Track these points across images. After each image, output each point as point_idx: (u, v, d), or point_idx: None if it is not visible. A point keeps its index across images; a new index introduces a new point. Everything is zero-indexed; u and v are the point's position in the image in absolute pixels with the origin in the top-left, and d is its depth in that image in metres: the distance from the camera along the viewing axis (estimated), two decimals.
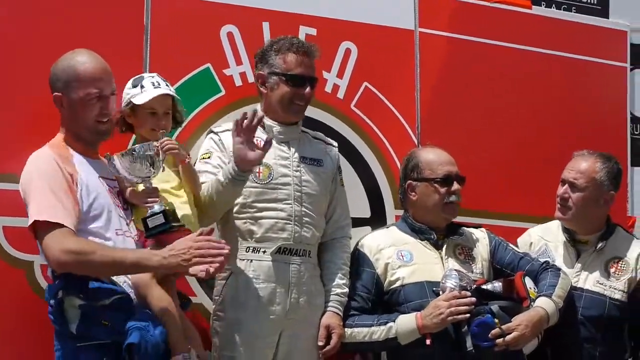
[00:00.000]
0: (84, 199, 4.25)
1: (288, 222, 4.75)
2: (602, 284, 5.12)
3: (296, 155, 4.86)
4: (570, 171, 5.19)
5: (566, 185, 5.17)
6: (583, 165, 5.18)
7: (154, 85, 4.55)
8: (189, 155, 4.54)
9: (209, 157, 4.79)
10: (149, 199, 4.35)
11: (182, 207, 4.48)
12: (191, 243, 4.18)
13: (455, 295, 4.70)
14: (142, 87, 4.55)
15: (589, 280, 5.13)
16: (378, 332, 4.81)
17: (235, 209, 4.75)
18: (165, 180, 4.50)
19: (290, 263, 4.75)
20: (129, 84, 4.61)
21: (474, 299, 4.70)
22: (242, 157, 4.49)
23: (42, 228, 4.14)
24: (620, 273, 5.14)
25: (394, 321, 4.81)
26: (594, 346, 5.07)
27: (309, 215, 4.80)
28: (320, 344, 4.78)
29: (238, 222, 4.75)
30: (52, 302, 4.20)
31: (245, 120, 4.48)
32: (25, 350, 4.61)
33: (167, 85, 4.60)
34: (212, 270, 4.17)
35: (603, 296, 5.10)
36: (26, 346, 4.61)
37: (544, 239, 5.27)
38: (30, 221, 4.15)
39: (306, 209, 4.80)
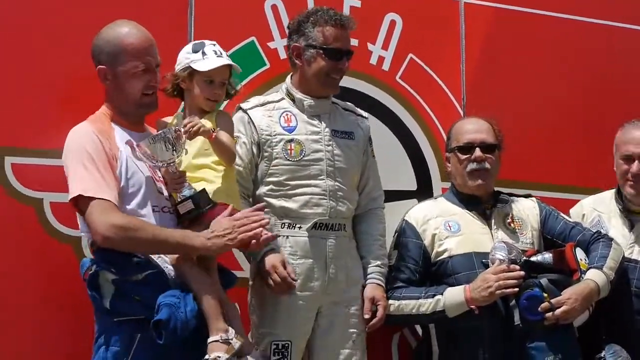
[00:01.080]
0: (123, 176, 4.22)
1: (323, 197, 4.71)
2: None
3: (327, 129, 4.81)
4: (637, 145, 5.08)
5: (636, 162, 5.05)
6: None
7: (216, 53, 4.45)
8: (214, 129, 4.37)
9: (236, 143, 4.69)
10: (176, 185, 4.30)
11: (217, 182, 4.40)
12: (233, 222, 4.18)
13: (504, 269, 4.66)
14: (204, 53, 4.45)
15: None
16: (426, 304, 4.79)
17: (267, 187, 4.71)
18: (205, 154, 4.43)
19: (327, 238, 4.73)
20: (189, 47, 4.50)
21: (522, 272, 4.66)
22: None
23: (85, 203, 4.11)
24: None
25: (442, 294, 4.78)
26: None
27: (342, 189, 4.76)
28: (367, 316, 4.76)
29: (272, 200, 4.71)
30: (87, 277, 4.18)
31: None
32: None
33: (227, 56, 4.51)
34: (262, 239, 4.19)
35: None
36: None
37: (597, 210, 5.20)
38: (73, 196, 4.12)
39: (339, 183, 4.76)
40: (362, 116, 5.00)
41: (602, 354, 4.85)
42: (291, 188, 4.71)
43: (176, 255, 4.21)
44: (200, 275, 4.19)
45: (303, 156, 4.72)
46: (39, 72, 4.73)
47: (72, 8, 4.79)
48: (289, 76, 4.88)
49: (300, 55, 4.77)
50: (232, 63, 4.48)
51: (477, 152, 4.93)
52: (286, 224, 4.70)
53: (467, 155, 4.95)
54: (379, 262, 4.83)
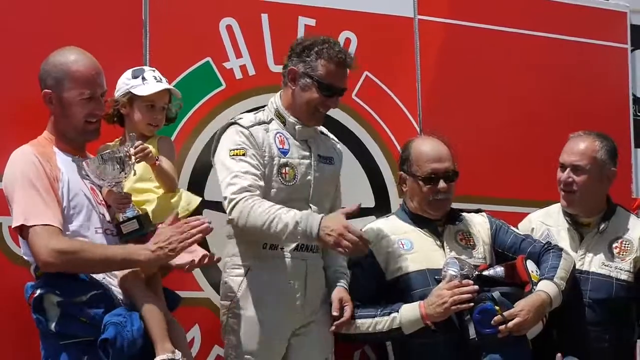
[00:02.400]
0: (64, 197, 4.24)
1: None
2: (607, 266, 5.11)
3: (315, 155, 4.82)
4: (570, 154, 5.15)
5: (567, 170, 5.14)
6: (582, 146, 5.15)
7: (155, 79, 4.53)
8: (157, 158, 4.40)
9: (243, 154, 4.65)
10: (120, 205, 4.31)
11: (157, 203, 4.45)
12: (173, 231, 4.19)
13: (457, 284, 4.70)
14: (143, 79, 4.52)
15: (594, 263, 5.12)
16: (382, 322, 4.80)
17: None
18: (147, 180, 4.46)
19: (307, 259, 4.75)
20: (129, 73, 4.57)
21: (476, 287, 4.70)
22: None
23: (27, 230, 4.14)
24: (624, 253, 5.13)
25: (397, 311, 4.80)
26: (602, 329, 5.05)
27: (323, 212, 4.73)
28: (335, 314, 4.75)
29: None
30: (31, 301, 4.17)
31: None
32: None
33: (166, 79, 4.59)
34: (196, 261, 4.25)
35: (609, 278, 5.08)
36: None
37: (545, 224, 5.25)
38: (17, 224, 4.16)
39: (320, 207, 4.77)
40: (334, 141, 5.01)
41: None
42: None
43: (122, 275, 4.24)
44: (146, 295, 4.20)
45: (296, 181, 4.73)
46: None
47: (23, 29, 4.78)
48: (277, 95, 4.86)
49: (295, 79, 4.75)
50: (172, 87, 4.55)
51: (442, 184, 4.94)
52: (268, 245, 4.69)
53: (430, 186, 4.95)
54: (343, 270, 4.88)
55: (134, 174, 4.36)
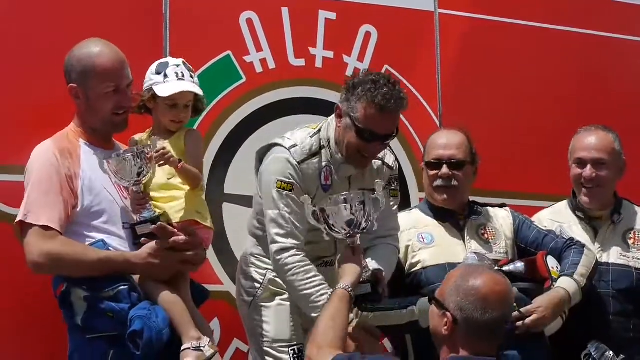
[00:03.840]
0: (85, 195, 4.24)
1: (332, 244, 4.63)
2: (625, 256, 5.09)
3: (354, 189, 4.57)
4: (590, 150, 5.11)
5: (589, 166, 5.12)
6: (599, 140, 5.12)
7: (177, 76, 4.40)
8: (179, 160, 4.31)
9: (290, 190, 4.47)
10: (138, 206, 4.29)
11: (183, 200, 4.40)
12: (174, 258, 4.24)
13: None
14: (165, 76, 4.41)
15: (612, 254, 5.09)
16: (400, 315, 4.76)
17: None
18: (173, 174, 4.41)
19: (327, 267, 4.69)
20: (153, 68, 4.47)
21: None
22: None
23: (25, 227, 4.17)
24: (639, 243, 5.13)
25: (415, 304, 4.78)
26: (627, 319, 5.03)
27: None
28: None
29: None
30: (58, 295, 4.21)
31: None
32: None
33: (191, 76, 4.44)
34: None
35: (629, 267, 5.06)
36: None
37: (556, 221, 5.20)
38: (17, 219, 4.19)
39: None
40: (388, 165, 4.76)
41: (587, 351, 4.87)
42: (312, 237, 4.54)
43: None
44: (161, 288, 4.21)
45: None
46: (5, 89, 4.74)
47: (45, 25, 4.81)
48: (330, 121, 4.59)
49: (340, 116, 4.53)
50: (192, 89, 4.41)
51: (444, 169, 4.92)
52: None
53: (435, 171, 4.95)
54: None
55: (153, 176, 4.33)
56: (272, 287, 4.65)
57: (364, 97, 4.37)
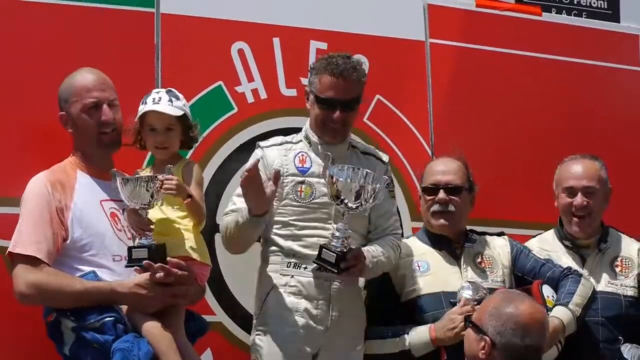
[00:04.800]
0: (75, 227, 4.28)
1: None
2: (613, 284, 5.14)
3: None
4: (580, 178, 5.16)
5: (579, 195, 5.14)
6: (587, 168, 5.19)
7: (153, 101, 4.46)
8: (189, 196, 4.34)
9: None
10: (140, 230, 4.29)
11: (185, 235, 4.42)
12: (164, 294, 4.25)
13: (469, 310, 4.66)
14: (144, 102, 4.49)
15: (601, 283, 5.13)
16: (391, 344, 4.79)
17: (275, 227, 4.70)
18: (176, 206, 4.43)
19: (332, 281, 4.68)
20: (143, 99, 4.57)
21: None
22: (253, 206, 4.47)
23: (14, 258, 4.21)
24: (626, 270, 5.17)
25: (408, 333, 4.78)
26: (617, 346, 5.03)
27: (350, 233, 4.67)
28: None
29: (280, 240, 4.70)
30: (48, 324, 4.25)
31: (246, 174, 4.40)
32: None
33: (170, 100, 4.46)
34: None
35: (617, 295, 5.10)
36: None
37: (544, 249, 5.23)
38: (8, 251, 4.24)
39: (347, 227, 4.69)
40: (380, 160, 4.93)
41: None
42: (299, 229, 4.69)
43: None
44: (151, 321, 4.21)
45: (312, 199, 4.70)
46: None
47: (37, 57, 4.82)
48: (308, 119, 4.85)
49: (307, 99, 4.77)
50: (159, 109, 4.42)
51: (441, 194, 4.96)
52: (292, 264, 4.67)
53: (432, 197, 4.98)
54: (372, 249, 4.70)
55: (161, 204, 4.35)
56: (271, 314, 4.67)
57: (320, 70, 4.68)
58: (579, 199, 5.14)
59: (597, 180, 5.17)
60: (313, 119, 4.75)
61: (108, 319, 4.16)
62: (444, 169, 5.02)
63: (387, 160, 4.96)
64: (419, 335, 4.76)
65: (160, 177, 4.27)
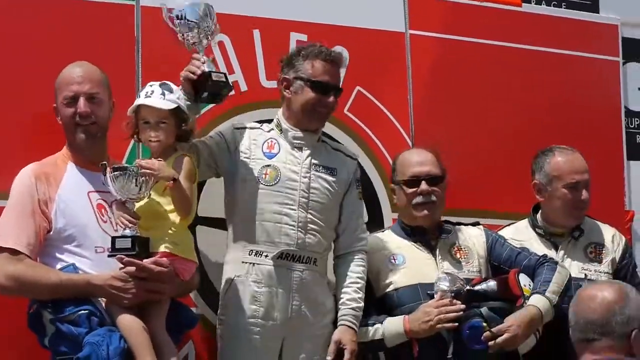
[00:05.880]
0: (58, 218, 4.33)
1: (292, 227, 4.71)
2: (586, 269, 5.20)
3: (307, 161, 4.81)
4: (582, 172, 5.23)
5: (583, 190, 5.20)
6: (583, 161, 5.27)
7: (146, 94, 4.47)
8: (174, 178, 4.33)
9: (216, 132, 4.87)
10: (124, 219, 4.29)
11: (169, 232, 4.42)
12: (140, 285, 4.24)
13: (444, 303, 4.71)
14: (138, 96, 4.51)
15: (573, 269, 5.17)
16: (365, 332, 4.80)
17: (241, 208, 4.75)
18: (164, 200, 4.43)
19: (293, 270, 4.72)
20: None
21: (463, 306, 4.71)
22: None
23: None
24: (600, 256, 5.25)
25: (382, 323, 4.81)
26: None
27: (315, 222, 4.75)
28: (329, 359, 4.70)
29: (244, 224, 4.74)
30: (29, 316, 4.30)
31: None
32: None
33: (163, 94, 4.45)
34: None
35: (591, 280, 5.12)
36: None
37: (516, 239, 5.27)
38: None
39: (312, 216, 4.75)
40: (350, 157, 5.00)
41: None
42: (262, 212, 4.71)
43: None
44: (125, 314, 4.22)
45: (277, 182, 4.73)
46: None
47: (23, 56, 4.85)
48: (280, 109, 4.91)
49: (289, 87, 4.81)
50: (147, 102, 4.43)
51: (423, 186, 4.97)
52: (253, 252, 4.70)
53: (414, 189, 4.98)
54: (353, 305, 4.76)
55: (149, 197, 4.35)
56: (231, 304, 4.73)
57: (310, 55, 4.78)
58: (585, 193, 5.21)
59: (587, 172, 5.25)
60: (300, 104, 4.78)
61: (82, 311, 4.19)
62: (421, 160, 5.03)
63: (356, 158, 5.02)
64: (393, 325, 4.78)
65: (137, 161, 4.32)
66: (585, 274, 5.17)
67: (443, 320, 4.67)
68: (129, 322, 4.20)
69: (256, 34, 5.33)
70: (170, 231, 4.38)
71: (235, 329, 4.70)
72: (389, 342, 4.77)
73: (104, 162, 4.30)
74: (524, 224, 5.39)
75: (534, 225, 5.33)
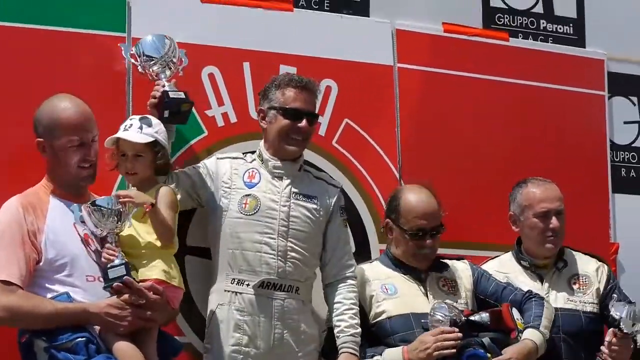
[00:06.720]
0: (48, 249, 4.34)
1: (272, 256, 4.77)
2: (572, 301, 5.27)
3: (287, 189, 4.88)
4: (553, 201, 5.31)
5: (554, 218, 5.26)
6: (556, 191, 5.35)
7: (124, 127, 4.55)
8: (152, 203, 4.43)
9: (195, 167, 4.93)
10: (108, 252, 4.34)
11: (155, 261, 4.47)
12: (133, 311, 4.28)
13: (442, 330, 4.75)
14: (118, 130, 4.58)
15: (559, 300, 5.25)
16: None
17: (223, 237, 4.80)
18: (148, 230, 4.48)
19: (274, 298, 4.77)
20: None
21: (460, 334, 4.75)
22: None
23: None
24: (585, 287, 5.31)
25: (381, 354, 4.84)
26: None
27: (296, 250, 4.81)
28: None
29: (226, 253, 4.80)
30: (22, 343, 4.29)
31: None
32: None
33: (140, 127, 4.54)
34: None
35: (577, 311, 5.23)
36: None
37: (501, 272, 5.33)
38: None
39: (293, 244, 4.81)
40: (333, 185, 5.06)
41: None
42: (242, 241, 4.77)
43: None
44: (122, 341, 4.25)
45: (256, 212, 4.80)
46: None
47: (13, 81, 4.89)
48: (262, 140, 5.00)
49: (264, 117, 4.91)
50: (123, 136, 4.51)
51: (429, 241, 5.03)
52: (235, 280, 4.75)
53: (417, 241, 5.04)
54: (351, 331, 4.83)
55: (129, 226, 4.41)
56: (214, 332, 4.80)
57: (281, 84, 4.91)
58: (555, 221, 5.26)
59: (562, 201, 5.32)
60: (275, 132, 4.87)
61: (80, 339, 4.19)
62: (428, 212, 5.05)
63: (339, 186, 5.08)
64: (391, 356, 4.83)
65: (114, 193, 4.39)
66: (572, 306, 5.23)
67: (440, 348, 4.71)
68: (126, 350, 4.23)
69: (246, 66, 5.38)
70: (159, 260, 4.43)
71: (219, 357, 4.74)
72: None
73: (75, 205, 4.40)
74: (508, 256, 5.45)
75: (519, 258, 5.39)
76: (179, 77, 4.97)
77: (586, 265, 5.38)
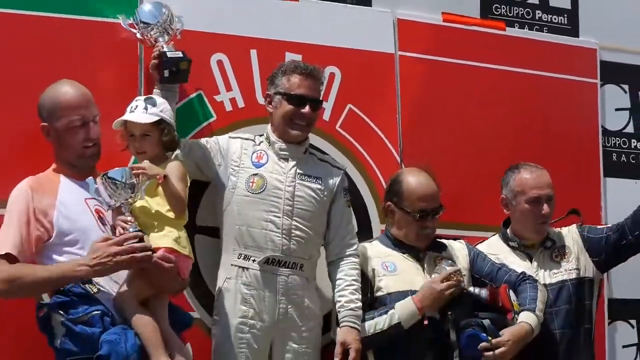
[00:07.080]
0: (61, 222, 4.44)
1: (277, 234, 4.90)
2: (557, 273, 5.39)
3: (293, 170, 5.00)
4: (544, 187, 5.41)
5: (545, 204, 5.37)
6: (546, 177, 5.45)
7: (130, 109, 4.68)
8: (163, 176, 4.54)
9: (210, 138, 5.08)
10: (121, 221, 4.46)
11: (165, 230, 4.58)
12: (113, 248, 4.34)
13: (449, 272, 4.95)
14: (126, 111, 4.71)
15: (547, 276, 5.39)
16: (382, 321, 4.94)
17: (230, 214, 4.94)
18: (160, 201, 4.60)
19: (278, 274, 4.91)
20: None
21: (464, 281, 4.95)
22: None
23: None
24: (566, 256, 5.43)
25: (393, 308, 4.96)
26: (573, 329, 5.35)
27: (300, 229, 4.93)
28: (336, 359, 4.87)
29: (233, 229, 4.93)
30: (39, 319, 4.40)
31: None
32: None
33: (145, 108, 4.66)
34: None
35: (565, 282, 5.35)
36: None
37: (492, 253, 5.43)
38: None
39: (298, 223, 4.93)
40: (337, 167, 5.18)
41: None
42: (248, 219, 4.90)
43: (116, 295, 4.42)
44: (137, 310, 4.37)
45: (263, 190, 4.93)
46: None
47: (24, 65, 4.99)
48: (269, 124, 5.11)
49: (271, 102, 5.04)
50: (129, 118, 4.65)
51: (430, 222, 5.17)
52: (242, 255, 4.89)
53: (420, 222, 5.16)
54: (352, 306, 4.92)
55: (142, 198, 4.52)
56: (223, 305, 4.97)
57: (287, 71, 5.01)
58: (546, 207, 5.37)
59: (552, 187, 5.43)
60: (279, 116, 5.00)
61: (95, 312, 4.30)
62: (428, 194, 5.17)
63: (344, 168, 5.19)
64: (404, 307, 4.95)
65: (128, 167, 4.50)
66: (559, 279, 5.37)
67: (452, 286, 4.91)
68: (142, 320, 4.34)
69: (253, 53, 5.47)
70: (170, 229, 4.56)
71: (227, 329, 4.87)
72: (405, 323, 4.93)
73: (90, 178, 4.50)
74: (495, 239, 5.55)
75: (506, 239, 5.50)
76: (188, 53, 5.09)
77: (564, 238, 5.49)
